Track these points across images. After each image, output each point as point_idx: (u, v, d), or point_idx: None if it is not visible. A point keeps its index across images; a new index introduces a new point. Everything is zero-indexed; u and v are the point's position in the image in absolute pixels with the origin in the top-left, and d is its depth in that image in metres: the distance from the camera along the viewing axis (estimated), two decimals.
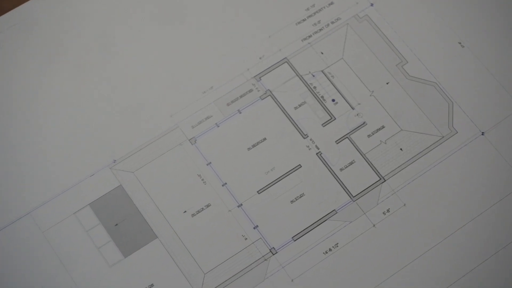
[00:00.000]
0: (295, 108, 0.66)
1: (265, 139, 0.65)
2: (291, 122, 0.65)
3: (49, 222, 0.62)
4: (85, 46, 0.67)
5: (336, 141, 0.65)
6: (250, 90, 0.66)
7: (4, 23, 0.67)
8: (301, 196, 0.63)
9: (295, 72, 0.67)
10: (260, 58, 0.67)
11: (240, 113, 0.65)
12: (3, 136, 0.64)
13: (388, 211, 0.63)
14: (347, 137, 0.65)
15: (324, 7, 0.69)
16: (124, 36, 0.67)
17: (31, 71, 0.66)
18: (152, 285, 0.61)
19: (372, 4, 0.69)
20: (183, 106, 0.65)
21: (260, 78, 0.66)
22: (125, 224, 0.62)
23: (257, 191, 0.63)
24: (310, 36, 0.68)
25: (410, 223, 0.63)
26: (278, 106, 0.66)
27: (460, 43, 0.67)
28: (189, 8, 0.68)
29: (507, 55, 0.67)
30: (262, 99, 0.66)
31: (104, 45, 0.67)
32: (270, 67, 0.67)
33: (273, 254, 0.62)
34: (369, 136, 0.65)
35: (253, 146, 0.65)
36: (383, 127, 0.65)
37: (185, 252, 0.62)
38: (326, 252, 0.62)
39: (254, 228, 0.62)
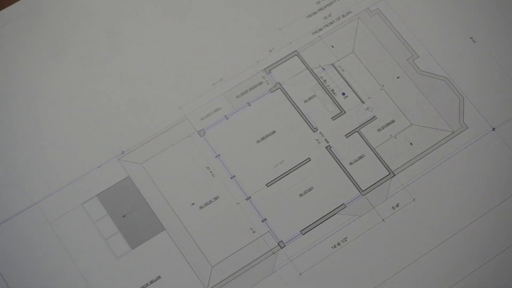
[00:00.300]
0: (305, 101, 0.65)
1: (274, 132, 0.64)
2: (301, 115, 0.65)
3: (56, 213, 0.62)
4: (94, 37, 0.66)
5: (345, 135, 0.65)
6: (260, 83, 0.66)
7: (10, 14, 0.67)
8: (310, 189, 0.63)
9: (305, 65, 0.66)
10: (270, 50, 0.67)
11: (250, 105, 0.65)
12: (11, 126, 0.64)
13: (397, 206, 0.63)
14: (357, 131, 0.65)
15: (335, 1, 0.68)
16: (132, 27, 0.67)
17: (39, 62, 0.65)
18: (159, 277, 0.60)
19: None
20: (192, 98, 0.65)
21: (270, 70, 0.66)
22: (132, 215, 0.62)
23: (266, 184, 0.63)
24: (320, 29, 0.67)
25: (419, 218, 0.62)
26: (288, 99, 0.65)
27: (471, 38, 0.67)
28: None
29: None
30: (271, 92, 0.65)
31: (113, 36, 0.66)
32: (280, 60, 0.66)
33: (281, 248, 0.62)
34: (379, 130, 0.65)
35: (262, 139, 0.64)
36: (393, 121, 0.65)
37: (193, 244, 0.61)
38: (335, 246, 0.62)
39: (262, 221, 0.62)
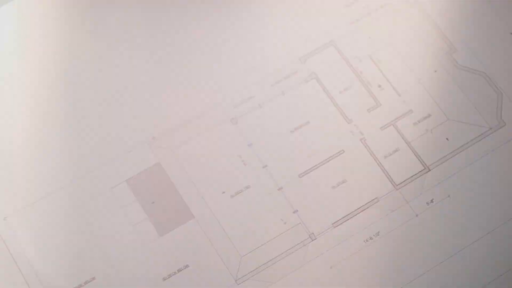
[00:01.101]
0: (340, 92, 0.64)
1: (308, 122, 0.63)
2: (335, 107, 0.64)
3: (84, 197, 0.61)
4: (129, 19, 0.65)
5: (380, 128, 0.63)
6: (295, 72, 0.65)
7: None
8: (343, 182, 0.62)
9: (341, 55, 0.65)
10: (306, 40, 0.66)
11: (284, 94, 0.64)
12: (41, 110, 0.63)
13: (431, 201, 0.61)
14: (392, 124, 0.63)
15: None
16: (168, 10, 0.66)
17: (71, 44, 0.65)
18: (187, 265, 0.60)
19: None
20: (225, 84, 0.64)
21: (305, 60, 0.65)
22: (161, 202, 0.61)
23: (298, 175, 0.62)
24: (358, 20, 0.66)
25: (454, 215, 0.61)
26: (323, 89, 0.64)
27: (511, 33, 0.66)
28: None
29: None
30: (306, 82, 0.64)
31: (149, 18, 0.66)
32: (316, 50, 0.65)
33: (312, 240, 0.60)
34: (415, 124, 0.63)
35: (296, 129, 0.63)
36: (429, 115, 0.64)
37: (222, 233, 0.60)
38: (367, 241, 0.60)
39: (293, 212, 0.61)
